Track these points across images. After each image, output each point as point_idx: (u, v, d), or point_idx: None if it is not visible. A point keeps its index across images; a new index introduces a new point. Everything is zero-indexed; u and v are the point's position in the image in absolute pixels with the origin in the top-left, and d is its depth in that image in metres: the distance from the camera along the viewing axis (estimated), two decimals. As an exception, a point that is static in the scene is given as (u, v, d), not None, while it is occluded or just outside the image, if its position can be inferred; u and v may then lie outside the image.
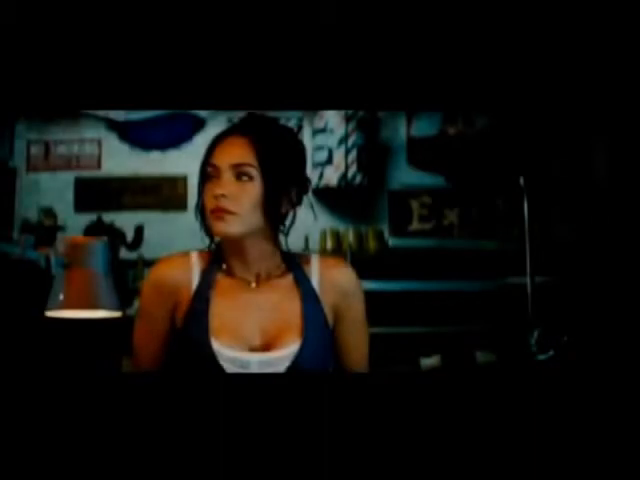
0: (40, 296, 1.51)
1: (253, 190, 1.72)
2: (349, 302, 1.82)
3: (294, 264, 1.82)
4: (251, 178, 1.72)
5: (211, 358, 1.69)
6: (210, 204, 1.72)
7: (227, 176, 1.72)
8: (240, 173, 1.72)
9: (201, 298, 1.75)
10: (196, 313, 1.73)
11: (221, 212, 1.71)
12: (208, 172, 1.74)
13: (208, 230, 1.77)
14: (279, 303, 1.77)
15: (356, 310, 1.83)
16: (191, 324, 1.73)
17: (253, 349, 1.72)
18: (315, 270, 1.82)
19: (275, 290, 1.78)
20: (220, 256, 1.80)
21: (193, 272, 1.78)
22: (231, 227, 1.72)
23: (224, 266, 1.79)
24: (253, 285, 1.78)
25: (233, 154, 1.73)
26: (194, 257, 1.80)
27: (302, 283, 1.79)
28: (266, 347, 1.73)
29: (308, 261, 1.83)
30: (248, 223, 1.73)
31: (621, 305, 3.58)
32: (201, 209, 1.77)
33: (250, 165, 1.72)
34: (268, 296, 1.77)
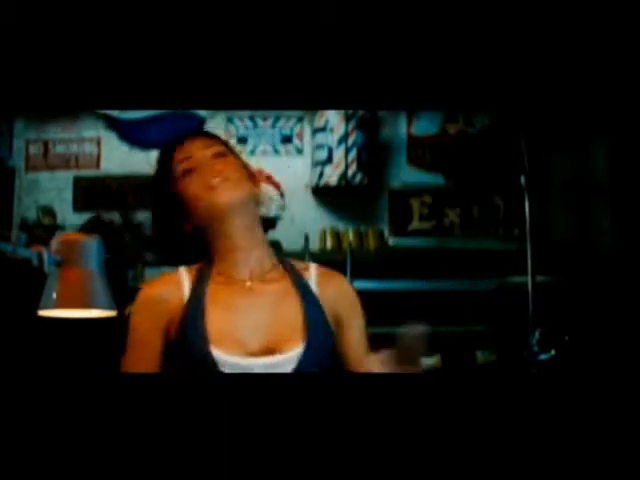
0: (33, 295, 1.49)
1: (231, 160, 1.81)
2: (352, 312, 1.81)
3: (290, 267, 1.80)
4: (224, 154, 1.80)
5: (213, 367, 1.64)
6: (205, 182, 1.74)
7: (206, 161, 1.77)
8: (214, 154, 1.79)
9: (196, 307, 1.70)
10: (192, 323, 1.67)
11: (219, 184, 1.73)
12: (183, 168, 1.78)
13: (207, 212, 1.75)
14: (278, 304, 1.73)
15: (359, 318, 1.83)
16: (188, 335, 1.67)
17: (255, 354, 1.67)
18: (314, 276, 1.80)
19: (272, 291, 1.75)
20: (210, 264, 1.78)
21: (183, 286, 1.73)
22: (233, 192, 1.73)
23: (214, 270, 1.76)
24: (248, 284, 1.74)
25: (201, 147, 1.81)
26: (182, 272, 1.77)
27: (300, 286, 1.77)
28: (269, 351, 1.68)
29: (307, 268, 1.83)
30: (243, 188, 1.76)
31: (622, 304, 3.58)
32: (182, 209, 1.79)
33: (220, 145, 1.83)
34: (266, 297, 1.74)
